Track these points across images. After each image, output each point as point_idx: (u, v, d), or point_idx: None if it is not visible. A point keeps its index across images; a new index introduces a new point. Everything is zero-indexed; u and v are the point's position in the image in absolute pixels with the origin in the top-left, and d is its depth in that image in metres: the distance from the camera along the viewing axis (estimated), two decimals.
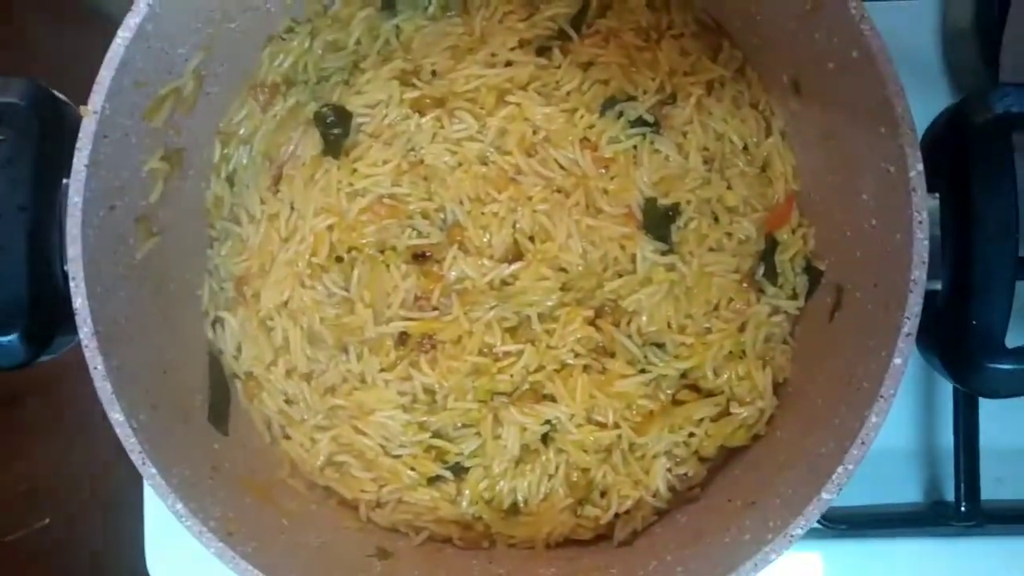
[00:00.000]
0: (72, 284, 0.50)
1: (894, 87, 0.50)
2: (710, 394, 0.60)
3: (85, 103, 0.51)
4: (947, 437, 0.66)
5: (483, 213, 0.61)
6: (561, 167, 0.62)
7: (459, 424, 0.60)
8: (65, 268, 0.51)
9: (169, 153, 0.57)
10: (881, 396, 0.49)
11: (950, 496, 0.66)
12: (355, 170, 0.62)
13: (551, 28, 0.63)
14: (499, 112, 0.61)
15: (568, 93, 0.62)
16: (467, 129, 0.62)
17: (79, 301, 0.50)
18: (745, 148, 0.62)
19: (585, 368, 0.60)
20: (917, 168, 0.50)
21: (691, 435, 0.60)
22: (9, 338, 0.52)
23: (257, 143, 0.63)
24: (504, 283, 0.61)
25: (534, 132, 0.62)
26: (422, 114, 0.62)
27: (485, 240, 0.61)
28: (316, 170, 0.62)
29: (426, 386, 0.60)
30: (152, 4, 0.51)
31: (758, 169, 0.63)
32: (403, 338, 0.61)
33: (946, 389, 0.68)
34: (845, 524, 0.66)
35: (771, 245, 0.61)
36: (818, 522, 0.55)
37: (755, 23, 0.60)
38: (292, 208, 0.62)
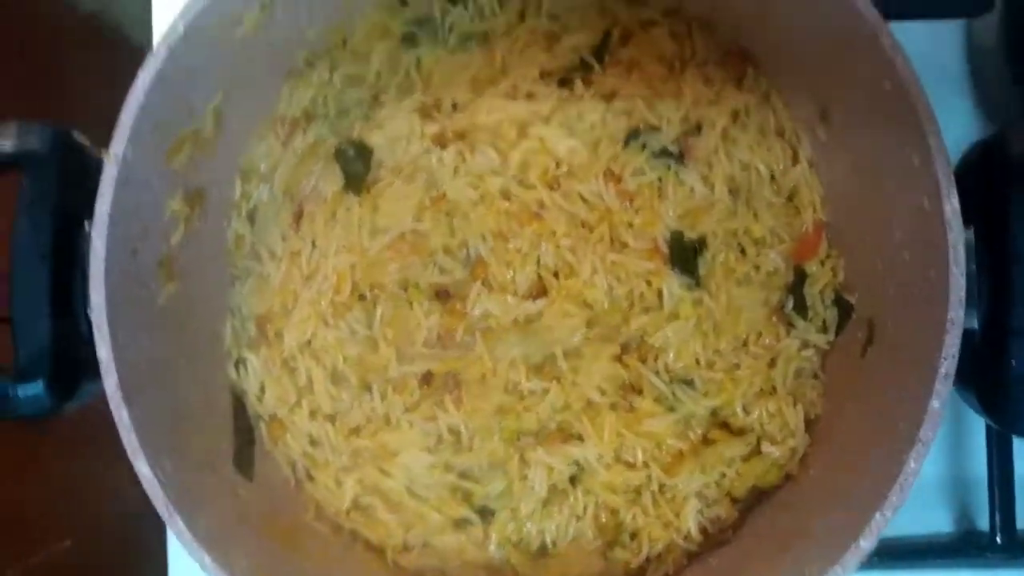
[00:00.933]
0: (96, 333, 0.50)
1: (928, 120, 0.49)
2: (740, 432, 0.59)
3: (108, 137, 0.50)
4: (978, 464, 0.65)
5: (506, 249, 0.60)
6: (584, 201, 0.61)
7: (485, 465, 0.60)
8: (88, 314, 0.51)
9: (190, 193, 0.57)
10: (920, 440, 0.48)
11: (982, 525, 0.65)
12: (377, 207, 0.61)
13: (573, 59, 0.62)
14: (521, 145, 0.61)
15: (591, 125, 0.61)
16: (489, 163, 0.61)
17: (103, 351, 0.50)
18: (772, 177, 0.61)
19: (612, 406, 0.59)
20: (953, 204, 0.48)
21: (722, 475, 0.59)
22: (34, 388, 0.52)
23: (278, 179, 0.62)
24: (528, 320, 0.60)
25: (557, 165, 0.61)
26: (443, 148, 0.61)
27: (509, 276, 0.60)
28: (337, 207, 0.62)
29: (451, 426, 0.60)
30: (172, 47, 0.50)
31: (785, 199, 0.61)
32: (427, 377, 0.60)
33: (977, 415, 0.67)
34: (875, 555, 0.65)
35: (800, 277, 0.60)
36: None
37: (781, 51, 0.59)
38: (314, 246, 0.62)
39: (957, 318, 0.48)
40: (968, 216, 0.49)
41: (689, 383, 0.60)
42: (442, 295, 0.61)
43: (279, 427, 0.61)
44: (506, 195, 0.61)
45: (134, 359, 0.51)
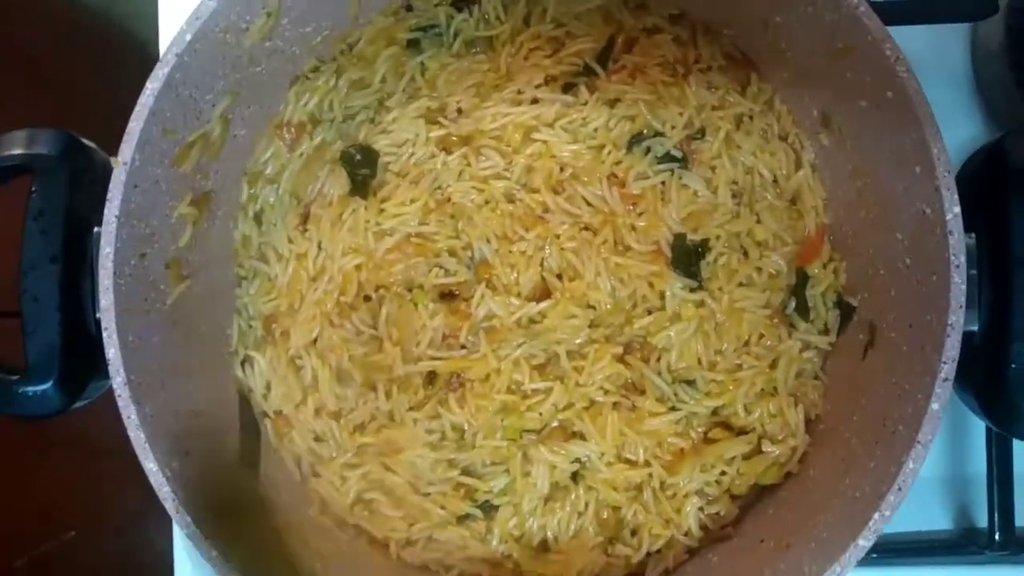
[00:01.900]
0: (105, 334, 0.51)
1: (931, 129, 0.49)
2: (742, 432, 0.60)
3: (116, 141, 0.51)
4: (976, 462, 0.65)
5: (511, 251, 0.61)
6: (588, 204, 0.61)
7: (488, 462, 0.60)
8: (97, 316, 0.51)
9: (197, 197, 0.57)
10: (919, 442, 0.48)
11: (981, 523, 0.65)
12: (382, 209, 0.62)
13: (577, 64, 0.63)
14: (526, 149, 0.61)
15: (595, 130, 0.61)
16: (494, 167, 0.61)
17: (112, 352, 0.50)
18: (775, 181, 0.62)
19: (615, 406, 0.60)
20: (954, 211, 0.49)
21: (723, 473, 0.59)
22: (44, 387, 0.52)
23: (284, 182, 0.63)
24: (532, 321, 0.61)
25: (561, 169, 0.61)
26: (448, 152, 0.62)
27: (513, 278, 0.61)
28: (343, 209, 0.62)
29: (455, 424, 0.60)
30: (180, 54, 0.51)
31: (788, 202, 0.62)
32: (431, 376, 0.61)
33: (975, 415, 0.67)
34: (874, 552, 0.65)
35: (802, 279, 0.61)
36: None
37: (784, 57, 0.59)
38: (320, 247, 0.62)
39: (957, 322, 0.48)
40: (969, 221, 0.50)
41: (691, 383, 0.60)
42: (447, 296, 0.62)
43: (284, 423, 0.62)
44: (510, 198, 0.62)
45: (142, 359, 0.52)
